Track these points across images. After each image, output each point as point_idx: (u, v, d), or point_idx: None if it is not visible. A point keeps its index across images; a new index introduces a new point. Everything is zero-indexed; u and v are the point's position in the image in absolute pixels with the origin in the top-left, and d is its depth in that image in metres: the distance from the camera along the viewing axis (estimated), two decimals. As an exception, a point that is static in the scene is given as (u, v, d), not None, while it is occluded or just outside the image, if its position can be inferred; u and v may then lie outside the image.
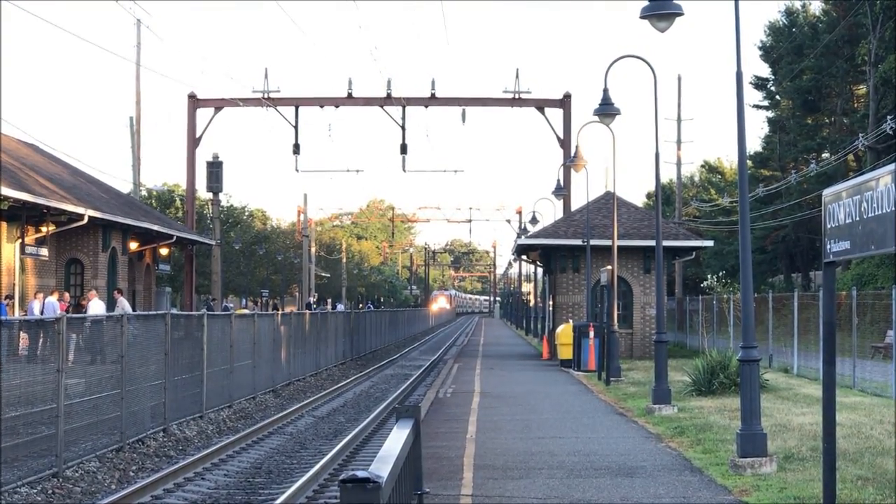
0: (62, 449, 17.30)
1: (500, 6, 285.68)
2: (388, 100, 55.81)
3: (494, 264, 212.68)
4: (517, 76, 55.74)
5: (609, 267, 34.66)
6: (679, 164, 75.37)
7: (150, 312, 31.99)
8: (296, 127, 56.85)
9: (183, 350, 24.88)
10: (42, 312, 33.08)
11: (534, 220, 71.66)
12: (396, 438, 6.68)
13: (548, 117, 55.19)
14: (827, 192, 10.06)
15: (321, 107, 57.42)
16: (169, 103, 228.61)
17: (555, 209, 68.21)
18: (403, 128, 56.52)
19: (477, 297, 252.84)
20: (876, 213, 8.88)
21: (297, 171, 59.54)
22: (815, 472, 14.08)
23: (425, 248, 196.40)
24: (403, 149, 57.13)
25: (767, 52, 78.90)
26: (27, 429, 17.62)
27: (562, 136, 54.41)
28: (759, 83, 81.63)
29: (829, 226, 9.91)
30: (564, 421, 22.69)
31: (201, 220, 68.65)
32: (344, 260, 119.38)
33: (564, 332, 40.77)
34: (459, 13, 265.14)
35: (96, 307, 34.85)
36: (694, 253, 52.17)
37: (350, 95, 56.01)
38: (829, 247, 9.90)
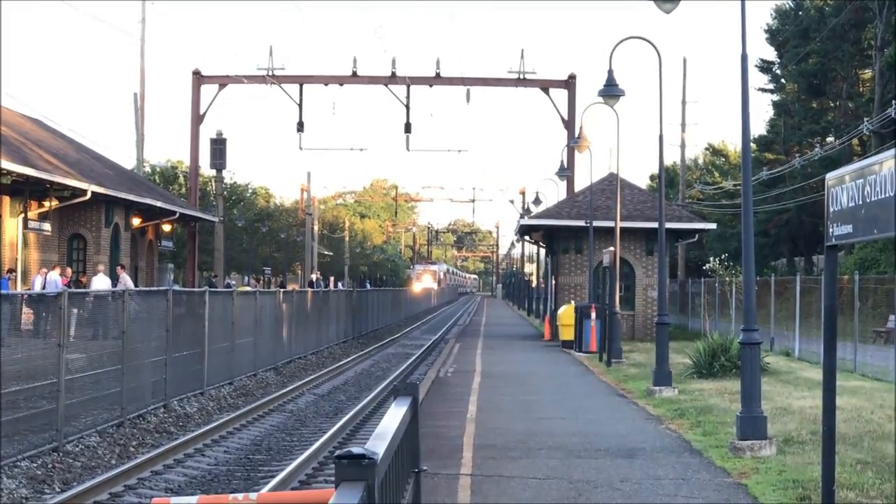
0: (63, 423, 17.33)
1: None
2: (392, 79, 55.78)
3: (497, 245, 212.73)
4: (522, 57, 55.96)
5: (611, 248, 34.65)
6: (683, 146, 75.36)
7: (153, 288, 32.06)
8: (300, 105, 56.86)
9: (184, 326, 24.91)
10: (44, 288, 33.10)
11: (537, 201, 71.66)
12: (394, 416, 6.68)
13: (552, 98, 55.18)
14: (830, 176, 10.03)
15: (325, 85, 57.43)
16: (173, 80, 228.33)
17: (558, 190, 68.17)
18: (408, 107, 56.52)
19: (468, 275, 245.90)
20: (879, 197, 8.84)
21: (300, 148, 59.63)
22: (815, 456, 14.08)
23: (428, 228, 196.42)
24: (408, 128, 57.14)
25: (773, 36, 78.68)
26: (28, 403, 17.65)
27: (566, 118, 54.38)
28: (765, 66, 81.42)
29: (831, 209, 9.87)
30: (565, 402, 22.72)
31: (204, 196, 68.67)
32: (347, 238, 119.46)
33: (566, 313, 40.78)
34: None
35: (100, 283, 34.89)
36: (697, 235, 52.14)
37: (355, 74, 55.98)
38: (831, 231, 9.87)
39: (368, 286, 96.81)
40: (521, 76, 55.67)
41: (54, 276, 34.91)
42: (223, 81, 55.97)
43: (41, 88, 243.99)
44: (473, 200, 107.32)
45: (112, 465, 16.83)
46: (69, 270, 39.45)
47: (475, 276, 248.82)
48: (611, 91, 28.46)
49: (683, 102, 73.57)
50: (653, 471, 14.35)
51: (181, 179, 77.95)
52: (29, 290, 33.83)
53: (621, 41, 28.64)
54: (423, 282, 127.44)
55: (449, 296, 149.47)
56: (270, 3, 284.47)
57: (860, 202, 9.23)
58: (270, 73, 55.51)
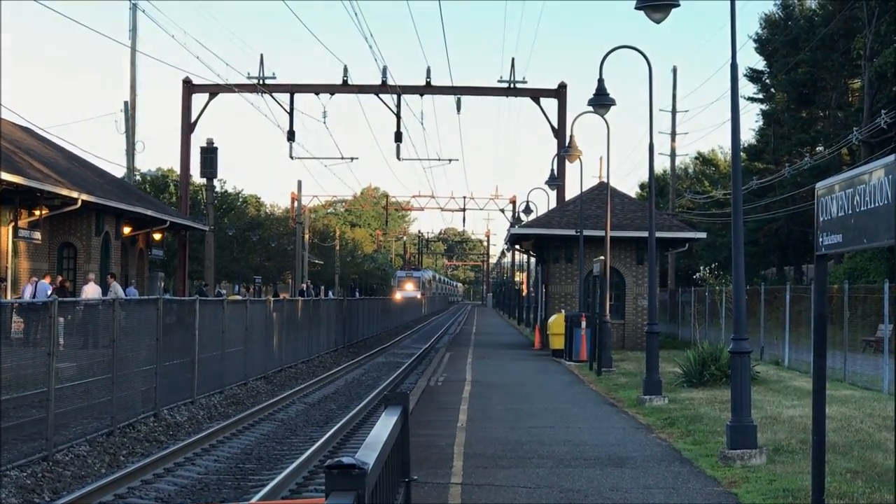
0: (52, 433, 17.29)
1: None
2: (383, 87, 55.75)
3: (488, 253, 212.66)
4: (512, 66, 56.05)
5: (602, 257, 34.67)
6: (673, 155, 75.48)
7: (143, 297, 32.02)
8: (290, 114, 56.81)
9: (175, 335, 24.88)
10: (34, 296, 33.05)
11: (527, 210, 71.71)
12: (384, 425, 6.69)
13: (543, 107, 55.18)
14: (820, 186, 10.05)
15: (316, 94, 57.37)
16: (164, 88, 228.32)
17: (548, 199, 68.27)
18: (398, 116, 56.51)
19: (457, 283, 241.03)
20: (868, 206, 8.87)
21: (291, 157, 59.64)
22: (805, 465, 14.10)
23: (419, 237, 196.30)
24: (398, 137, 57.13)
25: (763, 45, 78.86)
26: (17, 412, 17.60)
27: (556, 126, 54.40)
28: (754, 76, 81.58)
29: (821, 219, 9.90)
30: (555, 411, 22.72)
31: (195, 205, 68.57)
32: (337, 247, 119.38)
33: (556, 322, 40.79)
34: (456, 2, 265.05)
35: (91, 292, 34.83)
36: (687, 244, 52.20)
37: (345, 83, 55.95)
38: (821, 240, 9.89)
39: (357, 295, 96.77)
40: (512, 85, 55.72)
41: (44, 284, 34.85)
42: (214, 90, 55.88)
43: (32, 97, 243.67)
44: (464, 209, 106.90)
45: (102, 474, 16.80)
46: (60, 279, 39.39)
47: (460, 285, 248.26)
48: (601, 100, 28.50)
49: (673, 112, 73.70)
50: (643, 480, 14.36)
51: (172, 188, 77.88)
52: (19, 298, 33.78)
53: (611, 51, 28.70)
54: (406, 290, 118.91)
55: (439, 304, 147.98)
56: (262, 12, 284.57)
57: (850, 212, 9.25)
58: (261, 82, 55.45)
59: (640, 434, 19.05)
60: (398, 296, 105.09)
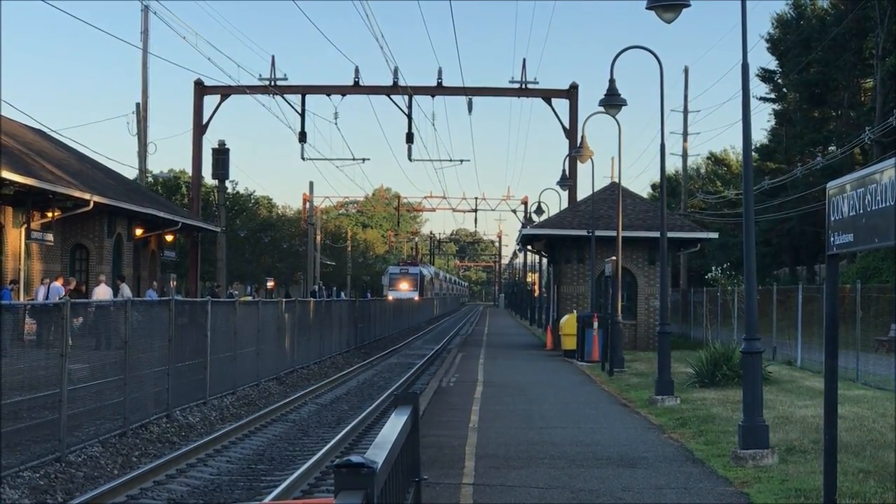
0: (65, 434, 17.32)
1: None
2: (394, 88, 55.79)
3: (499, 254, 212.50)
4: (524, 66, 56.07)
5: (614, 258, 34.64)
6: (685, 155, 75.39)
7: (155, 298, 32.07)
8: (302, 115, 56.90)
9: (187, 336, 24.91)
10: (47, 298, 33.10)
11: (539, 211, 71.71)
12: (393, 425, 6.70)
13: (554, 108, 55.20)
14: (831, 185, 10.04)
15: (328, 95, 57.45)
16: (176, 90, 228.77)
17: (560, 199, 68.23)
18: (410, 117, 56.54)
19: (463, 282, 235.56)
20: (880, 206, 8.86)
21: (303, 158, 59.72)
22: (817, 465, 14.07)
23: (430, 237, 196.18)
24: (409, 138, 57.16)
25: (775, 45, 78.69)
26: (30, 413, 17.64)
27: (568, 127, 54.40)
28: (766, 75, 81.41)
29: (832, 218, 9.89)
30: (567, 411, 22.71)
31: (207, 206, 68.68)
32: (349, 248, 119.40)
33: (568, 322, 40.75)
34: (467, 3, 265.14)
35: (102, 293, 34.89)
36: (699, 245, 52.09)
37: (357, 84, 56.00)
38: (832, 240, 9.88)
39: (369, 296, 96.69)
40: (523, 86, 55.73)
41: (57, 286, 34.90)
42: (225, 91, 55.97)
43: (43, 99, 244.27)
44: (476, 210, 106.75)
45: (114, 475, 16.83)
46: (73, 281, 39.45)
47: (465, 284, 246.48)
48: (612, 101, 28.49)
49: (685, 112, 73.62)
50: (655, 480, 14.35)
51: (183, 189, 78.01)
52: (32, 300, 33.84)
53: (622, 51, 28.67)
54: (400, 290, 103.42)
55: (451, 305, 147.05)
56: (273, 14, 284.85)
57: (861, 211, 9.24)
58: (273, 84, 55.52)
59: (652, 434, 19.04)
60: (390, 297, 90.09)
